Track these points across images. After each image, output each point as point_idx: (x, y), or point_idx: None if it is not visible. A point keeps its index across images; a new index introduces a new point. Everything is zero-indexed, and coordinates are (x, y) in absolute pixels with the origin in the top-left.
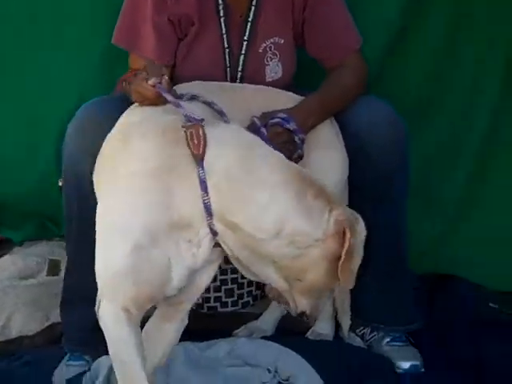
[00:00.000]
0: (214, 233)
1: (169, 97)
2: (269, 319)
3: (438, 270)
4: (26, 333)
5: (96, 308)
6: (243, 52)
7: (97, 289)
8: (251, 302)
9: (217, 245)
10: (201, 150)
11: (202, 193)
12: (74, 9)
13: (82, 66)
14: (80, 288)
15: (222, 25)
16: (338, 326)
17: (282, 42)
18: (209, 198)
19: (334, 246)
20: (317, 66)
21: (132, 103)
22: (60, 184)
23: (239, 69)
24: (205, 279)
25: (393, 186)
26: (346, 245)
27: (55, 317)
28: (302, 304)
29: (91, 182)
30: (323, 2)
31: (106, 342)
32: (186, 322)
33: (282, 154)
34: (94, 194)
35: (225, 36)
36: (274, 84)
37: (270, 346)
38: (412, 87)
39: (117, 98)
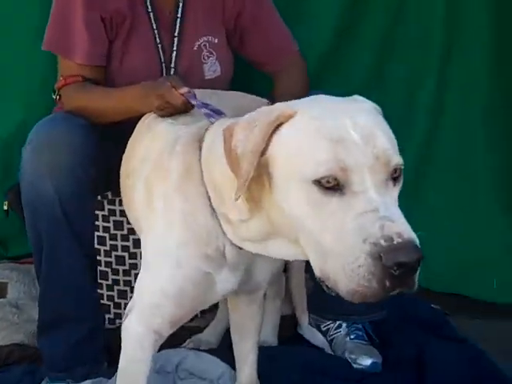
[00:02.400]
0: (223, 231)
1: (196, 102)
2: (214, 332)
3: None
4: None
5: (123, 320)
6: (175, 49)
7: (74, 310)
8: (199, 315)
9: None
10: None
11: (203, 190)
12: (15, 22)
13: (23, 84)
14: (57, 313)
15: (153, 21)
16: (294, 328)
17: (216, 41)
18: (209, 194)
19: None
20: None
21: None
22: (5, 208)
23: (172, 65)
24: (263, 271)
25: None
26: None
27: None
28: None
29: (60, 203)
30: (260, 10)
31: (85, 364)
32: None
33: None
34: (65, 215)
35: (156, 31)
36: (214, 82)
37: (217, 363)
38: (351, 86)
39: (67, 116)
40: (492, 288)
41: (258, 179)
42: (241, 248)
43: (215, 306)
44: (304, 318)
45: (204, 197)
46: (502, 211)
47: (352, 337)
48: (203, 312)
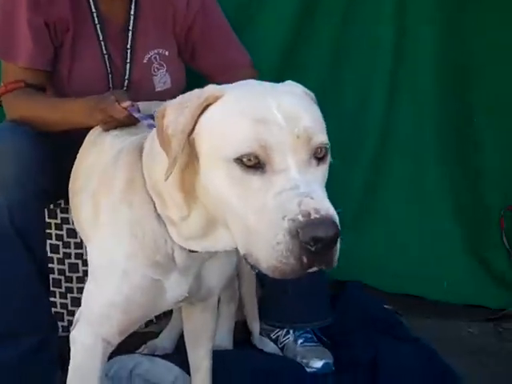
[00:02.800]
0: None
1: (139, 115)
2: (169, 337)
3: (335, 276)
4: None
5: (71, 329)
6: (128, 61)
7: (25, 318)
8: (154, 321)
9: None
10: None
11: (148, 198)
12: None
13: None
14: (7, 322)
15: (99, 32)
16: (248, 333)
17: (167, 53)
18: (154, 200)
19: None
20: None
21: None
22: None
23: (126, 77)
24: (215, 276)
25: None
26: None
27: None
28: None
29: (8, 212)
30: (211, 23)
31: (39, 373)
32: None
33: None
34: (12, 224)
35: (103, 43)
36: (164, 94)
37: (171, 368)
38: None
39: (13, 125)
40: (443, 288)
41: (190, 165)
42: (190, 251)
43: (170, 312)
44: (255, 325)
45: (149, 203)
46: (450, 214)
47: (301, 341)
48: (158, 318)
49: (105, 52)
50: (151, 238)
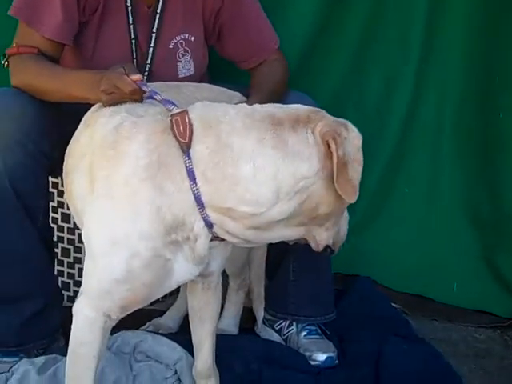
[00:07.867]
0: (209, 224)
1: (148, 89)
2: (174, 316)
3: (345, 271)
4: None
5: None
6: (152, 45)
7: (23, 285)
8: (160, 299)
9: (216, 238)
10: (187, 137)
11: (190, 183)
12: None
13: None
14: (5, 287)
15: (130, 14)
16: (254, 321)
17: (193, 39)
18: (198, 188)
19: (330, 165)
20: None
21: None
22: None
23: (148, 61)
24: (218, 262)
25: None
26: (334, 157)
27: None
28: (323, 239)
29: (7, 174)
30: (240, 5)
31: (38, 340)
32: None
33: (241, 107)
34: (12, 186)
35: (132, 26)
36: (187, 81)
37: (175, 347)
38: (329, 84)
39: (19, 91)
40: (452, 291)
41: None
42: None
43: (176, 291)
44: (260, 311)
45: (188, 192)
46: (465, 218)
47: (304, 333)
48: (164, 296)
49: (133, 36)
50: (179, 221)
